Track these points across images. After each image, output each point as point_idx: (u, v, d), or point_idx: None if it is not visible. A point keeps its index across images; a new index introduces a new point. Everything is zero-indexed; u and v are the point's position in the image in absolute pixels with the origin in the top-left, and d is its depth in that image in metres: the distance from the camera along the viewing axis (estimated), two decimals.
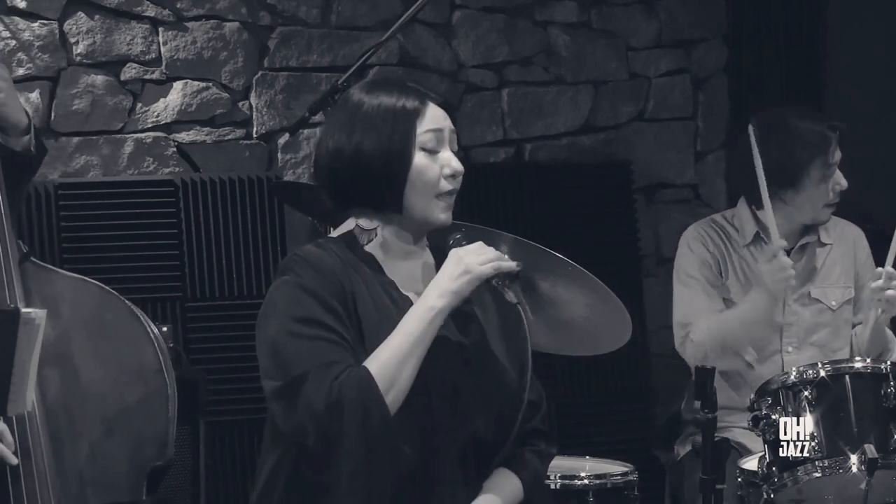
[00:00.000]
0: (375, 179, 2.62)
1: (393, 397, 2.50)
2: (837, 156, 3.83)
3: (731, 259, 3.93)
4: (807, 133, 3.80)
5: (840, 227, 4.01)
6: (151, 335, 2.84)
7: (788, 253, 3.89)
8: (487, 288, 2.66)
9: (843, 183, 3.85)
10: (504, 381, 2.68)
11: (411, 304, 2.62)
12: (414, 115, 2.63)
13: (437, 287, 2.58)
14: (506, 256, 2.65)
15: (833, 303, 3.93)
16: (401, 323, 2.55)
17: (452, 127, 2.69)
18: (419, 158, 2.63)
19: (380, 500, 2.53)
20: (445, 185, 2.64)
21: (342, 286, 2.58)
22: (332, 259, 2.62)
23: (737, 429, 3.81)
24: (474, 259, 2.60)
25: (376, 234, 2.68)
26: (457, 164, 2.65)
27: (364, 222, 2.68)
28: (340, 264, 2.62)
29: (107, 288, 2.88)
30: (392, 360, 2.51)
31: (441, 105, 2.69)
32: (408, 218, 2.66)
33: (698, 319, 3.83)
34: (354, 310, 2.58)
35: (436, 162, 2.64)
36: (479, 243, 2.64)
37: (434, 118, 2.65)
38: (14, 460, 2.68)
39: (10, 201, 2.90)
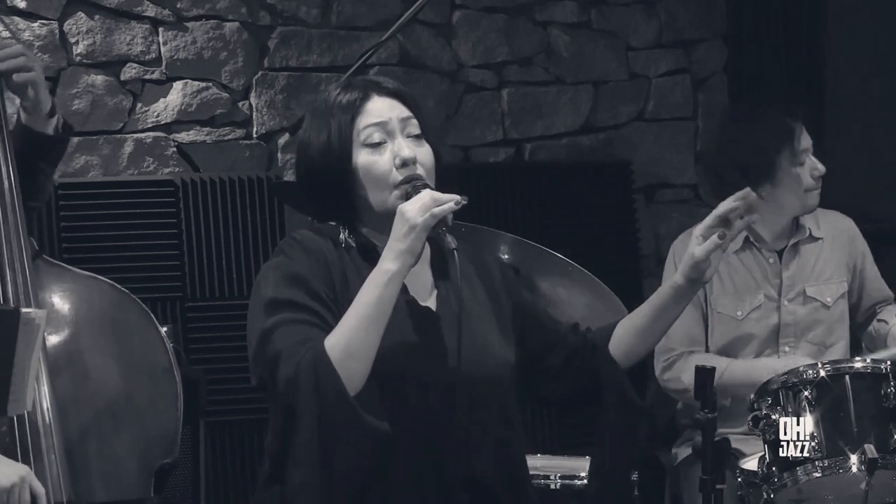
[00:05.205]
0: (321, 182, 2.62)
1: (354, 366, 2.45)
2: (806, 142, 3.84)
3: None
4: (768, 125, 3.83)
5: (831, 219, 3.99)
6: (162, 334, 2.85)
7: (781, 253, 3.90)
8: (433, 236, 2.54)
9: (821, 168, 3.84)
10: (494, 361, 2.62)
11: (406, 293, 2.59)
12: (351, 114, 2.60)
13: (389, 250, 2.51)
14: (441, 195, 2.51)
15: (828, 299, 3.92)
16: (359, 293, 2.51)
17: (407, 114, 2.63)
18: (362, 156, 2.59)
19: (350, 476, 2.46)
20: (397, 176, 2.58)
21: (330, 270, 2.58)
22: (326, 243, 2.62)
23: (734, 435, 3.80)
24: (414, 211, 2.49)
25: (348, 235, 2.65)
26: (407, 153, 2.59)
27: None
28: (334, 249, 2.61)
29: (118, 286, 2.88)
30: (348, 329, 2.47)
31: (390, 94, 2.64)
32: (374, 215, 2.61)
33: (685, 352, 3.84)
34: (346, 296, 2.55)
35: (383, 154, 2.59)
36: (424, 192, 2.54)
37: (377, 111, 2.61)
38: None
39: (39, 190, 2.92)
